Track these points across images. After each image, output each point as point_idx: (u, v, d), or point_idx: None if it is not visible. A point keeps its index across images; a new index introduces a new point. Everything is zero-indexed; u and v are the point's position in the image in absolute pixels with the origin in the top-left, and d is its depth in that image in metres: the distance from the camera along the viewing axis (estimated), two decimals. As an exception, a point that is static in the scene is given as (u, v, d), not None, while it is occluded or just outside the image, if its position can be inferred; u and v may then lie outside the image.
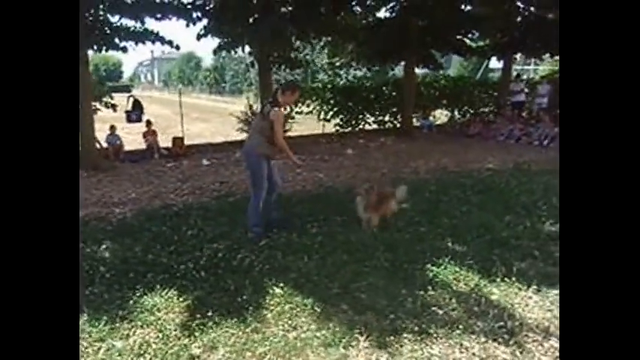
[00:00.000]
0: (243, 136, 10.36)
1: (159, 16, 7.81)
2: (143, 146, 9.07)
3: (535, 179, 6.43)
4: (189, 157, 8.65)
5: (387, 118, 11.66)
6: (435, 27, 10.28)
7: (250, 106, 10.09)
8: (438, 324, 2.73)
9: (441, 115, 13.10)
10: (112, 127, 8.64)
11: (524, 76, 14.61)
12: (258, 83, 9.54)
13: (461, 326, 2.70)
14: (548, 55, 13.00)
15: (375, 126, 11.63)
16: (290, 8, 8.29)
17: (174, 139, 8.92)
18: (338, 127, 11.05)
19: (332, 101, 10.83)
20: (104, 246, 4.12)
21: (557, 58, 13.96)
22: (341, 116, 11.03)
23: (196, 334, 2.64)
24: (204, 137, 12.61)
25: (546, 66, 20.31)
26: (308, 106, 10.76)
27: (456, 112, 12.83)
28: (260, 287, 3.20)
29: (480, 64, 28.49)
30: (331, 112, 10.93)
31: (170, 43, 8.08)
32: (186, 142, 9.42)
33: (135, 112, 9.00)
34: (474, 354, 2.48)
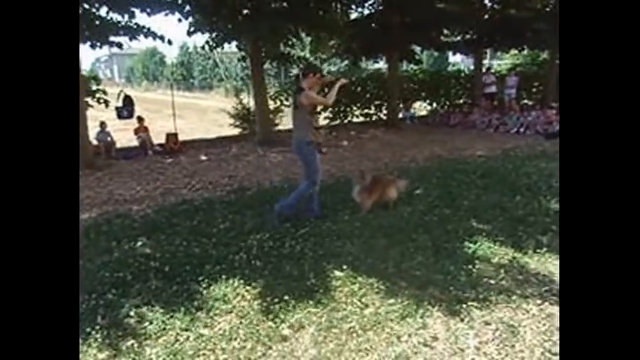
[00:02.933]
0: (236, 131, 10.41)
1: (149, 10, 7.68)
2: (133, 143, 8.90)
3: (527, 163, 6.91)
4: (185, 153, 8.58)
5: (372, 111, 11.98)
6: (415, 24, 10.69)
7: (240, 102, 10.09)
8: (494, 292, 3.02)
9: (420, 107, 13.58)
10: (103, 124, 8.42)
11: (492, 69, 15.34)
12: (251, 78, 9.56)
13: (516, 292, 3.00)
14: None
15: (361, 118, 11.93)
16: (284, 4, 8.37)
17: (168, 135, 8.81)
18: (328, 120, 11.28)
19: (320, 94, 11.00)
20: (140, 242, 4.13)
21: (524, 52, 14.82)
22: (329, 109, 11.24)
23: (281, 316, 2.78)
24: (184, 134, 12.42)
25: (508, 60, 21.35)
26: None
27: (434, 104, 13.34)
28: (320, 271, 3.37)
29: (444, 58, 29.49)
30: (320, 106, 11.11)
31: (162, 38, 7.97)
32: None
33: (126, 108, 8.79)
34: (534, 314, 2.78)
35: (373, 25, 10.91)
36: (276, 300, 2.95)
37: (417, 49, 12.95)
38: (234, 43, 9.40)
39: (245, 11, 8.31)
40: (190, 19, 8.44)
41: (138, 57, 48.49)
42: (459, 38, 13.24)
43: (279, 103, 10.48)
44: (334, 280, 3.24)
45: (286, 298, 2.97)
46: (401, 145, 8.97)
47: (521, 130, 10.38)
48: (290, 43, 9.16)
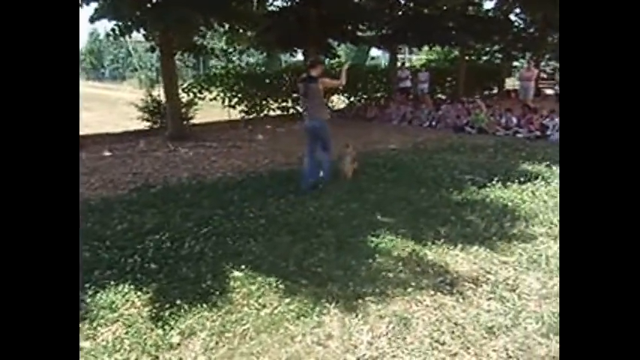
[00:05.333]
0: (145, 124, 9.77)
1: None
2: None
3: (434, 156, 7.27)
4: (86, 149, 7.86)
5: (289, 104, 11.87)
6: (332, 18, 10.77)
7: (150, 94, 9.50)
8: (391, 285, 3.09)
9: (338, 101, 13.76)
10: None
11: (407, 64, 16.00)
12: (160, 69, 9.01)
13: (412, 284, 3.10)
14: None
15: (278, 112, 11.79)
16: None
17: (66, 130, 8.00)
18: (243, 114, 10.99)
19: (236, 87, 10.71)
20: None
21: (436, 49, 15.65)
22: (245, 102, 10.97)
23: (171, 322, 2.62)
24: (91, 127, 11.45)
25: (423, 55, 22.44)
26: (211, 92, 10.50)
27: (352, 98, 13.58)
28: (219, 272, 3.23)
29: (364, 52, 30.29)
30: (236, 99, 10.81)
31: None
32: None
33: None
34: (427, 305, 2.88)
35: (290, 17, 10.81)
36: (168, 305, 2.78)
37: (334, 42, 13.08)
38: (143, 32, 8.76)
39: (153, -1, 7.78)
40: (94, 4, 7.74)
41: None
42: (374, 33, 13.59)
43: (192, 95, 10.02)
44: (232, 280, 3.13)
45: (179, 302, 2.81)
46: (318, 139, 9.00)
47: (433, 123, 10.91)
48: (203, 33, 8.75)
